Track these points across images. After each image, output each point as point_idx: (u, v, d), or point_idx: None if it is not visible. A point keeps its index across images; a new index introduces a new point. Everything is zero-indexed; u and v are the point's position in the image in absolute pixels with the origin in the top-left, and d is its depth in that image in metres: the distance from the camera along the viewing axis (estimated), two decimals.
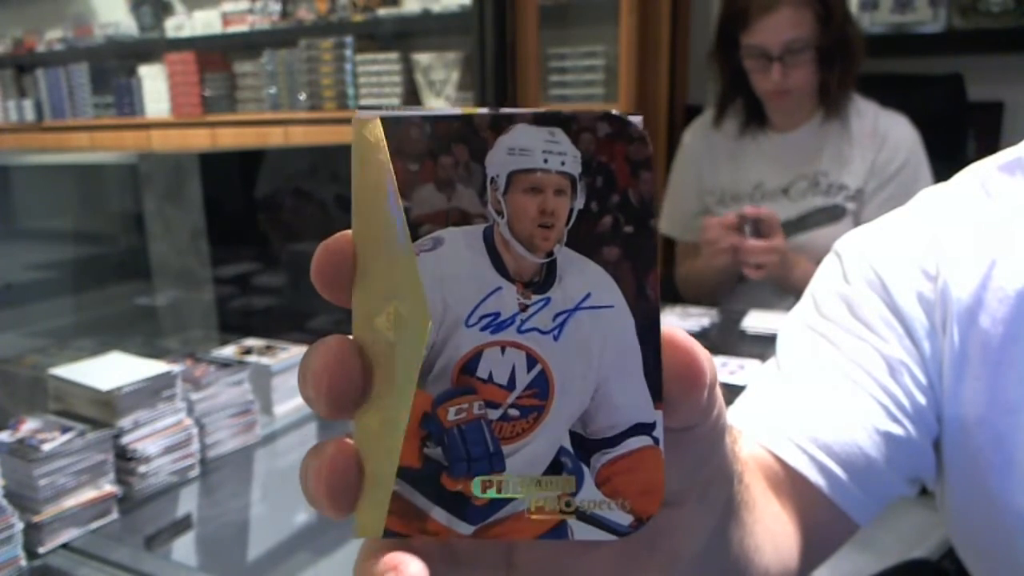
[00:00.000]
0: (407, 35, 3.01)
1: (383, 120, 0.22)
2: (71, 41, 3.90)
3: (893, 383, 0.51)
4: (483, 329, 0.22)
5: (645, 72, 2.20)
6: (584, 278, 0.22)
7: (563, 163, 0.22)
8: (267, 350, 1.07)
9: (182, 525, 0.84)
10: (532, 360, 0.22)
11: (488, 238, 0.22)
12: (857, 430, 0.50)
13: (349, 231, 0.23)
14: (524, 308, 0.22)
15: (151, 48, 3.64)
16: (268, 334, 1.13)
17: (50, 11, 4.01)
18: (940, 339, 0.52)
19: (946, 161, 1.45)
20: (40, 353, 1.40)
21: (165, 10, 3.65)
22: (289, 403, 1.06)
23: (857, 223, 1.46)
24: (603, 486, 0.23)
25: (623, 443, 0.22)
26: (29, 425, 0.78)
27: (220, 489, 0.91)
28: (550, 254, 0.22)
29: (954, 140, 1.69)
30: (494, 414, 0.22)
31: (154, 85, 3.63)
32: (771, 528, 0.43)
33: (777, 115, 1.50)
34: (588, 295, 0.22)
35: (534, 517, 0.23)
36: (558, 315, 0.22)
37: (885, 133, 1.44)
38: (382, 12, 2.99)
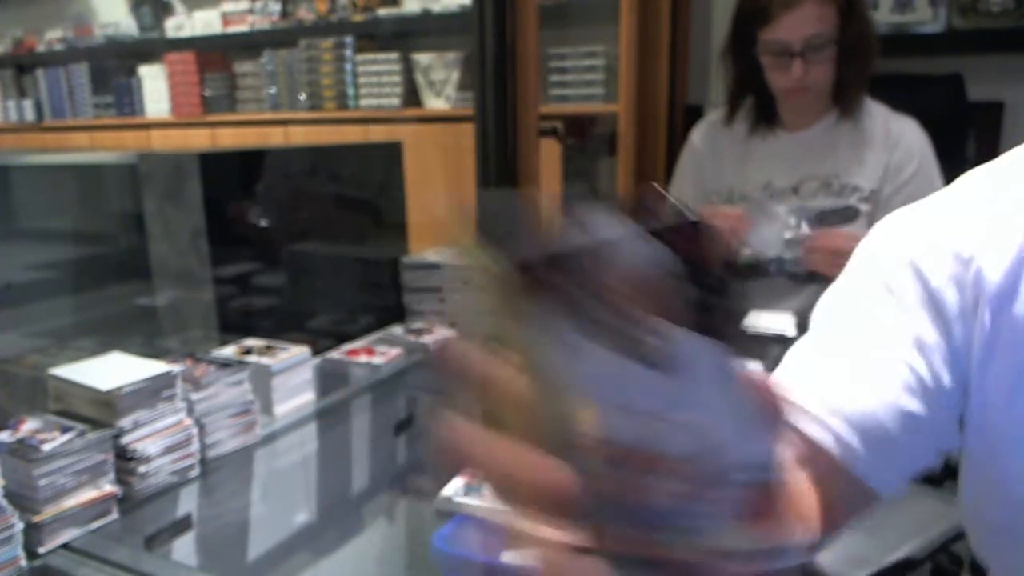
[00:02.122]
0: (407, 35, 3.01)
1: (519, 266, 0.23)
2: (71, 41, 3.90)
3: (921, 361, 0.53)
4: (630, 412, 0.24)
5: (645, 72, 2.20)
6: (699, 350, 0.24)
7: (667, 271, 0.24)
8: (267, 350, 1.06)
9: (182, 525, 0.84)
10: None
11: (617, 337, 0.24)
12: (880, 405, 0.52)
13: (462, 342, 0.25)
14: (659, 386, 0.24)
15: (151, 48, 3.64)
16: (268, 334, 1.13)
17: (50, 11, 4.01)
18: (972, 321, 0.53)
19: (946, 161, 1.45)
20: (40, 353, 1.40)
21: (165, 10, 3.65)
22: (289, 403, 1.06)
23: (871, 225, 1.45)
24: None
25: None
26: (29, 425, 0.78)
27: (220, 489, 0.91)
28: (668, 343, 0.24)
29: (954, 140, 1.69)
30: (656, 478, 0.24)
31: (154, 85, 3.63)
32: (792, 497, 0.46)
33: (789, 114, 1.49)
34: (705, 364, 0.24)
35: None
36: (685, 384, 0.24)
37: (898, 136, 1.43)
38: (382, 12, 2.99)
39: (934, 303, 0.54)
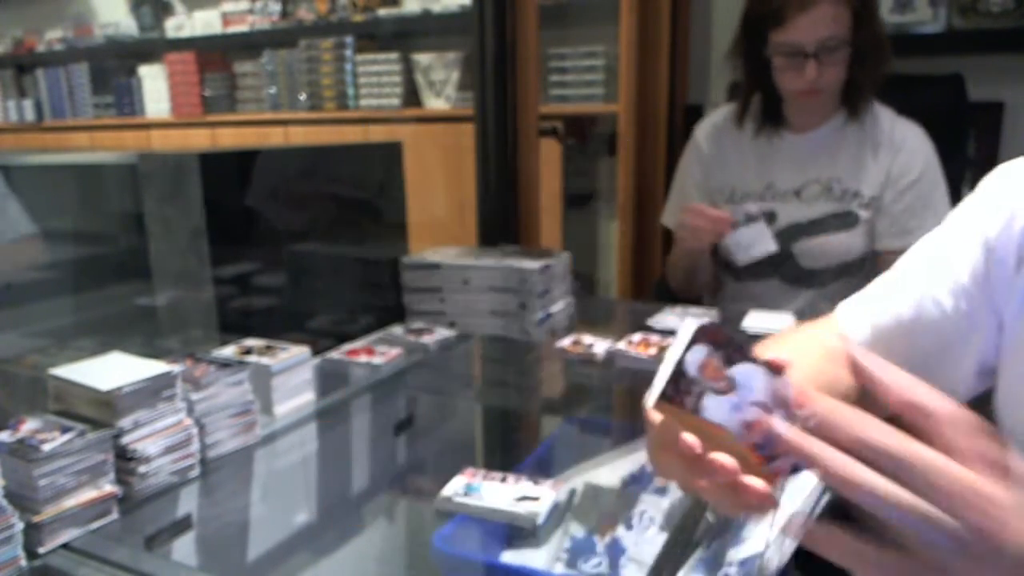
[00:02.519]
0: (407, 35, 3.01)
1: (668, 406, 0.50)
2: (71, 41, 3.90)
3: (950, 301, 0.67)
4: (735, 417, 0.49)
5: (645, 72, 2.20)
6: (744, 371, 0.50)
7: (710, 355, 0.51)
8: (267, 350, 1.07)
9: (182, 525, 0.84)
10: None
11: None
12: (907, 325, 0.69)
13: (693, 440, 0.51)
14: (734, 398, 0.49)
15: (151, 48, 3.65)
16: (268, 334, 1.13)
17: (50, 11, 4.01)
18: (1015, 274, 0.63)
19: (947, 161, 1.45)
20: (40, 353, 1.40)
21: (165, 10, 3.66)
22: (289, 403, 1.06)
23: (871, 231, 1.45)
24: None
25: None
26: (29, 425, 0.78)
27: (220, 489, 0.91)
28: (729, 381, 0.49)
29: (954, 140, 1.69)
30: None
31: (154, 85, 3.63)
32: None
33: (797, 115, 1.48)
34: (748, 374, 0.50)
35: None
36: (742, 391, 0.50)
37: (901, 142, 1.42)
38: (382, 12, 2.99)
39: (987, 252, 0.65)
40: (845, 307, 0.76)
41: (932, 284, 0.68)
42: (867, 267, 1.47)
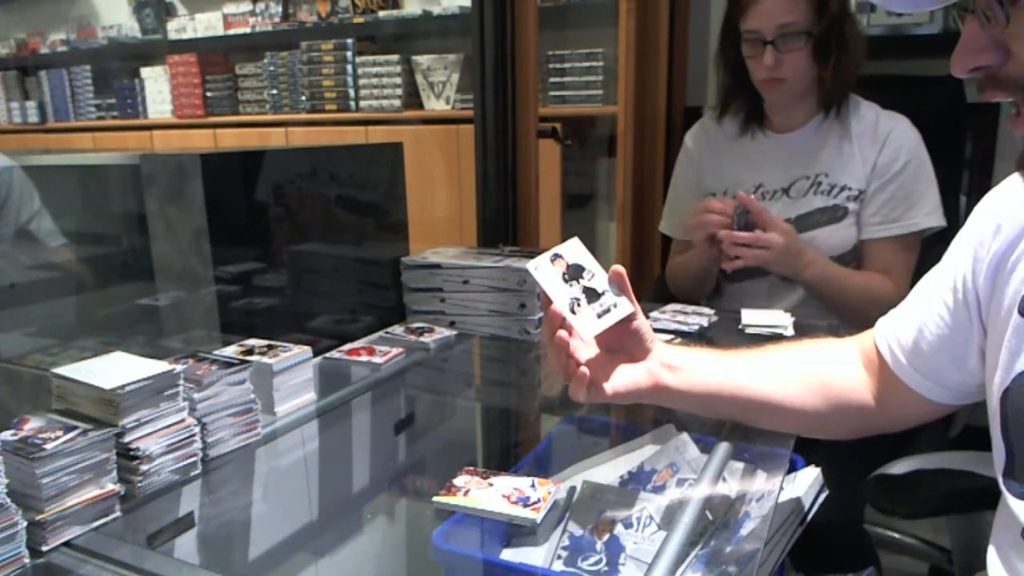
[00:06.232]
0: (408, 37, 3.02)
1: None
2: (74, 43, 3.91)
3: (946, 313, 0.75)
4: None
5: (644, 74, 2.20)
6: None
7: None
8: (269, 350, 1.07)
9: (184, 523, 0.85)
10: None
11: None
12: (922, 337, 0.77)
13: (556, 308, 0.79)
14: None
15: (153, 50, 3.65)
16: (270, 334, 1.13)
17: (53, 13, 4.02)
18: (991, 283, 0.69)
19: (944, 162, 1.46)
20: (43, 353, 1.41)
21: (167, 12, 3.67)
22: (290, 402, 1.06)
23: (858, 222, 1.46)
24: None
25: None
26: (32, 424, 0.79)
27: (222, 488, 0.91)
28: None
29: (952, 141, 1.70)
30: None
31: (156, 87, 3.64)
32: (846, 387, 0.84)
33: (776, 114, 1.50)
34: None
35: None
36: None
37: (887, 134, 1.43)
38: (383, 14, 3.00)
39: (975, 262, 0.71)
40: (880, 322, 0.85)
41: (936, 300, 0.76)
42: (858, 260, 1.49)
